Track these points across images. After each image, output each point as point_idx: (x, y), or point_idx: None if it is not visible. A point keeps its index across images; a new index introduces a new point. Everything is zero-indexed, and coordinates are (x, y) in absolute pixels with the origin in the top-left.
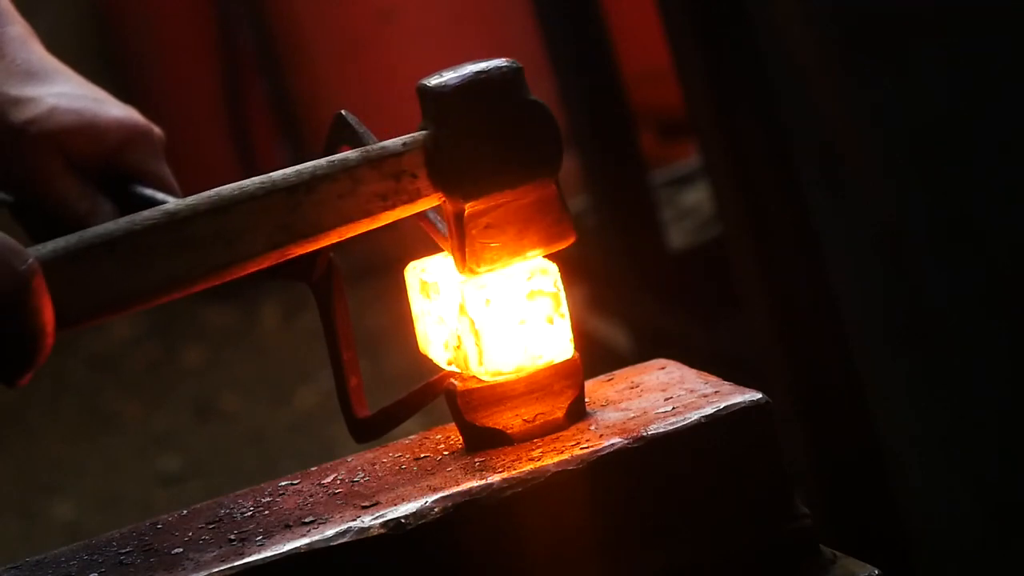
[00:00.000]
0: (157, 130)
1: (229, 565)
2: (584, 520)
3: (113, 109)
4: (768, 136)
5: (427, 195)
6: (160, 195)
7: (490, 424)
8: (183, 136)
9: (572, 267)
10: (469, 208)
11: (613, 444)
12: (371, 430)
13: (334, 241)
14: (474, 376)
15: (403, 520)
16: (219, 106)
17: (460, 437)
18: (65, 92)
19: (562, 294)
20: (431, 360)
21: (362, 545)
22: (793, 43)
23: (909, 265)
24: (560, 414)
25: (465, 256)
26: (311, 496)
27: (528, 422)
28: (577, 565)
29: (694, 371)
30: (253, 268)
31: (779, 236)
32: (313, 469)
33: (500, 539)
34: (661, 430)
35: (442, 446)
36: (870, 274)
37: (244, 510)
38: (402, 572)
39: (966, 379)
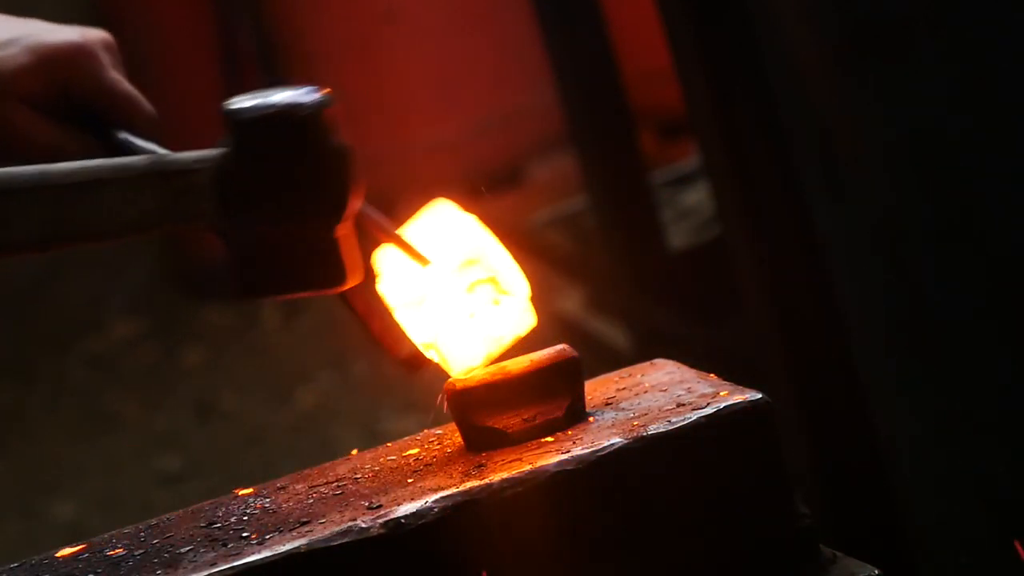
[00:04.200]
0: (100, 38)
1: (229, 565)
2: (584, 520)
3: (49, 36)
4: (768, 136)
5: (208, 215)
6: (140, 143)
7: (490, 424)
8: (183, 136)
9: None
10: (247, 237)
11: (613, 444)
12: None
13: (104, 244)
14: (474, 376)
15: (403, 520)
16: (219, 106)
17: (460, 437)
18: None
19: (501, 273)
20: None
21: (362, 545)
22: (793, 43)
23: (909, 265)
24: (560, 414)
25: (235, 281)
26: (311, 496)
27: (528, 422)
28: (577, 565)
29: (694, 371)
30: (25, 253)
31: (779, 236)
32: (313, 469)
33: (500, 539)
34: (661, 430)
35: (442, 446)
36: (870, 274)
37: (244, 510)
38: (402, 572)
39: (966, 379)
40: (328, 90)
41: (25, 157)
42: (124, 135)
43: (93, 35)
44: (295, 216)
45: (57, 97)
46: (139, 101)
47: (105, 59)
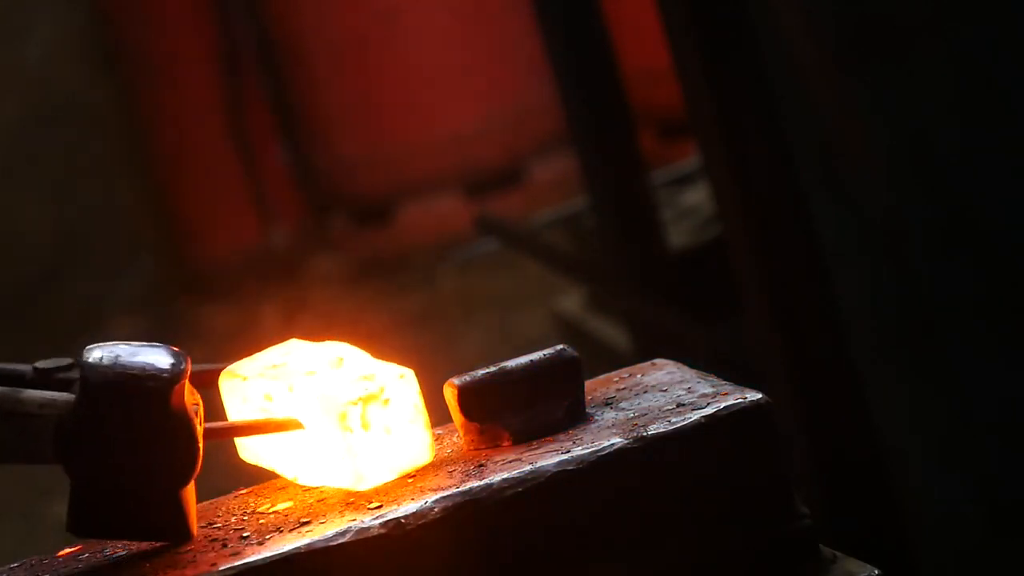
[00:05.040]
0: None
1: (229, 565)
2: (584, 520)
3: None
4: (768, 136)
5: (47, 458)
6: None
7: (490, 424)
8: (183, 137)
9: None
10: (86, 482)
11: (613, 444)
12: None
13: None
14: (473, 376)
15: (403, 520)
16: (219, 107)
17: (460, 437)
18: None
19: (394, 395)
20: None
21: (362, 545)
22: (793, 43)
23: (909, 265)
24: (560, 414)
25: (71, 517)
26: (311, 496)
27: (528, 422)
28: (577, 565)
29: (694, 371)
30: None
31: (779, 236)
32: None
33: (500, 539)
34: (661, 430)
35: (442, 446)
36: (870, 274)
37: (244, 510)
38: (402, 572)
39: (966, 379)
40: (186, 357)
41: None
42: None
43: None
44: (136, 477)
45: None
46: None
47: None
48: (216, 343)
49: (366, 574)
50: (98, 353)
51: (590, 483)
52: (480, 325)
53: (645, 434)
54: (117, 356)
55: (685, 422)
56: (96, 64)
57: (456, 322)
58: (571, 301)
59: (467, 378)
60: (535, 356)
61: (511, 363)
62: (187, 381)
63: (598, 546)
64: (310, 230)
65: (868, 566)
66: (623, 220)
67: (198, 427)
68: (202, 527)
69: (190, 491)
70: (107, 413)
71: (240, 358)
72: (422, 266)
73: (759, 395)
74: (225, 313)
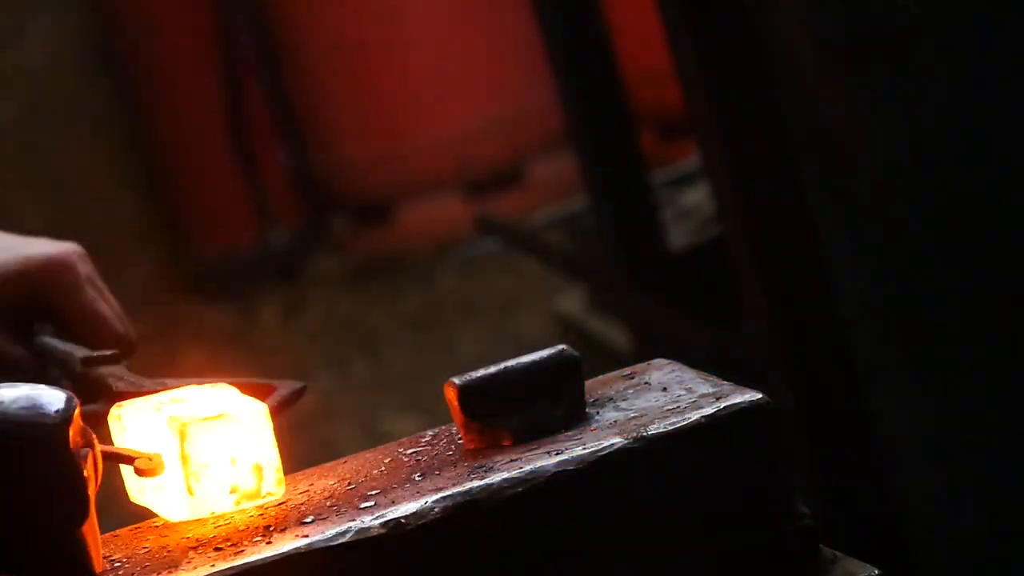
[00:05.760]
0: (76, 252)
1: (229, 565)
2: (584, 520)
3: (25, 249)
4: (768, 136)
5: None
6: (60, 344)
7: (490, 424)
8: (183, 137)
9: (572, 267)
10: None
11: (613, 444)
12: None
13: None
14: (473, 376)
15: (403, 520)
16: (219, 107)
17: (460, 437)
18: None
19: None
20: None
21: (362, 545)
22: (793, 43)
23: (909, 265)
24: (560, 414)
25: None
26: (310, 496)
27: (528, 422)
28: (577, 565)
29: (694, 371)
30: None
31: (779, 236)
32: (312, 469)
33: (500, 539)
34: (661, 430)
35: (442, 446)
36: (870, 274)
37: (243, 510)
38: (402, 572)
39: (966, 379)
40: (72, 396)
41: None
42: (45, 339)
43: (69, 249)
44: (29, 524)
45: (25, 311)
46: (110, 322)
47: (81, 273)
48: (216, 343)
49: (366, 574)
50: None
51: (590, 483)
52: (480, 325)
53: (645, 434)
54: (2, 396)
55: (685, 422)
56: (96, 64)
57: (456, 322)
58: (571, 301)
59: (467, 378)
60: (535, 356)
61: (511, 363)
62: (76, 421)
63: (598, 546)
64: (310, 230)
65: (868, 566)
66: (623, 220)
67: (90, 466)
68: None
69: (90, 529)
70: None
71: (239, 358)
72: (422, 266)
73: (759, 395)
74: (225, 313)
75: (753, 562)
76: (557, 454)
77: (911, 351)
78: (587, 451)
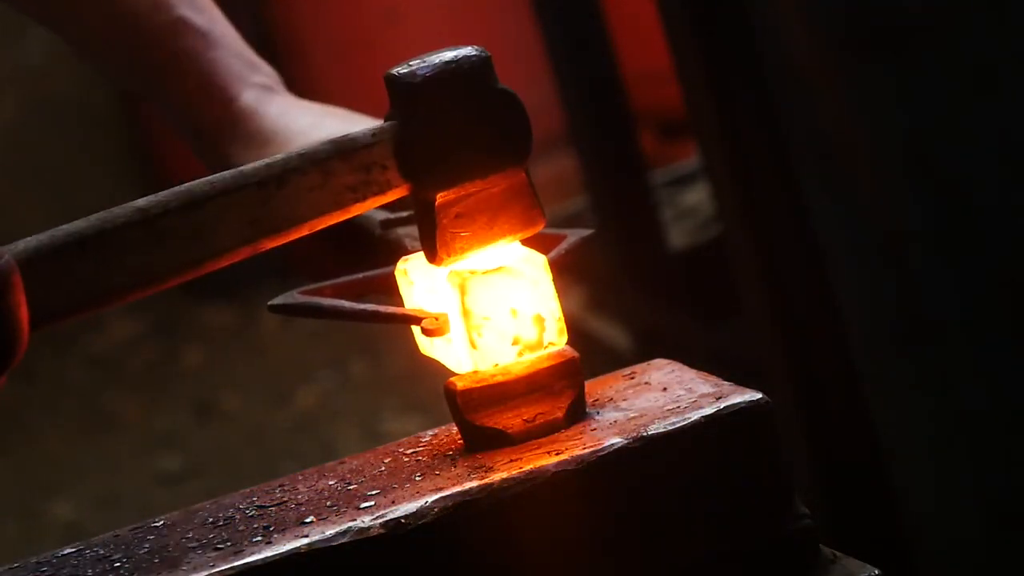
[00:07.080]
0: None
1: (229, 565)
2: (584, 520)
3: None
4: (768, 136)
5: (397, 186)
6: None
7: (490, 424)
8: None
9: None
10: (440, 198)
11: (613, 444)
12: None
13: (305, 233)
14: (473, 375)
15: (403, 520)
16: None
17: (460, 437)
18: None
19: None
20: (436, 361)
21: (362, 545)
22: (793, 43)
23: (909, 265)
24: (560, 414)
25: (436, 246)
26: (310, 496)
27: (528, 422)
28: (577, 565)
29: (694, 371)
30: (226, 262)
31: (779, 236)
32: (312, 469)
33: (500, 539)
34: (661, 430)
35: (442, 446)
36: (870, 274)
37: (244, 510)
38: (402, 572)
39: (966, 379)
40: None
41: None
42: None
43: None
44: (489, 162)
45: None
46: None
47: None
48: (216, 343)
49: (366, 574)
50: (395, 70)
51: (590, 483)
52: None
53: (645, 434)
54: (417, 63)
55: (685, 422)
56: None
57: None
58: (571, 301)
59: (467, 378)
60: (535, 356)
61: (511, 363)
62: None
63: (598, 546)
64: None
65: (868, 566)
66: (623, 220)
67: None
68: (202, 527)
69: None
70: (438, 111)
71: (240, 358)
72: None
73: (759, 395)
74: (225, 313)
75: (753, 562)
76: (557, 454)
77: (911, 351)
78: (587, 451)
